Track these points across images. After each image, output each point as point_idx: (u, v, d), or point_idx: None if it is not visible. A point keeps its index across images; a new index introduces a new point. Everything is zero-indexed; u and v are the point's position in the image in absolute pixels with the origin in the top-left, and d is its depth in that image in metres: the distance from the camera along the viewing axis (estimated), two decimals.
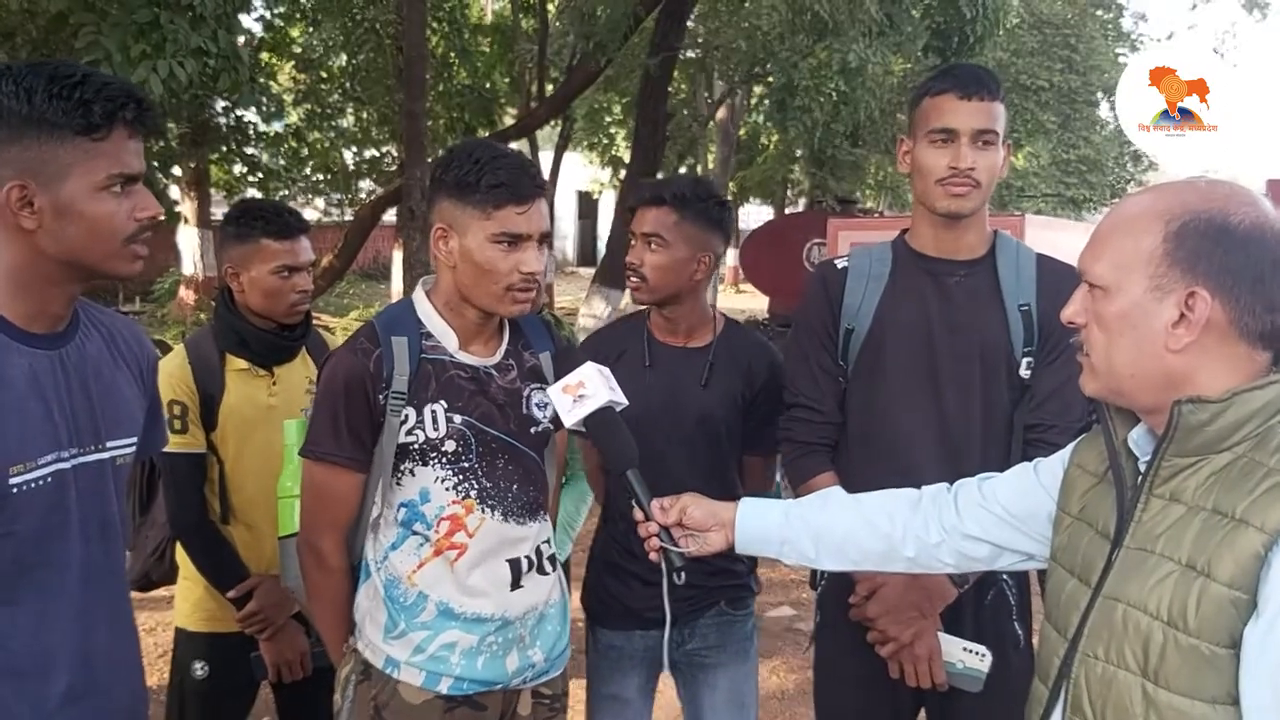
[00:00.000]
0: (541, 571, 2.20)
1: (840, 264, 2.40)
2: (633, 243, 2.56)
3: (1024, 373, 2.26)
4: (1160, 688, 1.28)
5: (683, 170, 16.86)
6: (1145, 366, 1.36)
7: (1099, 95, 23.79)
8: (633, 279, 2.55)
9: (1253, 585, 1.21)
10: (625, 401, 1.95)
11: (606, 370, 1.96)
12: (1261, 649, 1.20)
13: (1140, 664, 1.31)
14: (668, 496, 1.88)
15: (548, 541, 2.25)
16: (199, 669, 2.72)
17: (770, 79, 13.86)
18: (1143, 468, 1.40)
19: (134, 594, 2.91)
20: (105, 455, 1.74)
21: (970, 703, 2.17)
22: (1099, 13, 23.45)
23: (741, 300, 21.51)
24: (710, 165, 19.21)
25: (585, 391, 1.91)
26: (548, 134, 19.79)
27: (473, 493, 2.11)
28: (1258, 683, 1.21)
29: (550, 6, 13.42)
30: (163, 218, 1.73)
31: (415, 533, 2.11)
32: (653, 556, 1.84)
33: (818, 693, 2.54)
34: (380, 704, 2.10)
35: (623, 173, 14.14)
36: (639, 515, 1.86)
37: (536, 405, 2.20)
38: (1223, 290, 1.30)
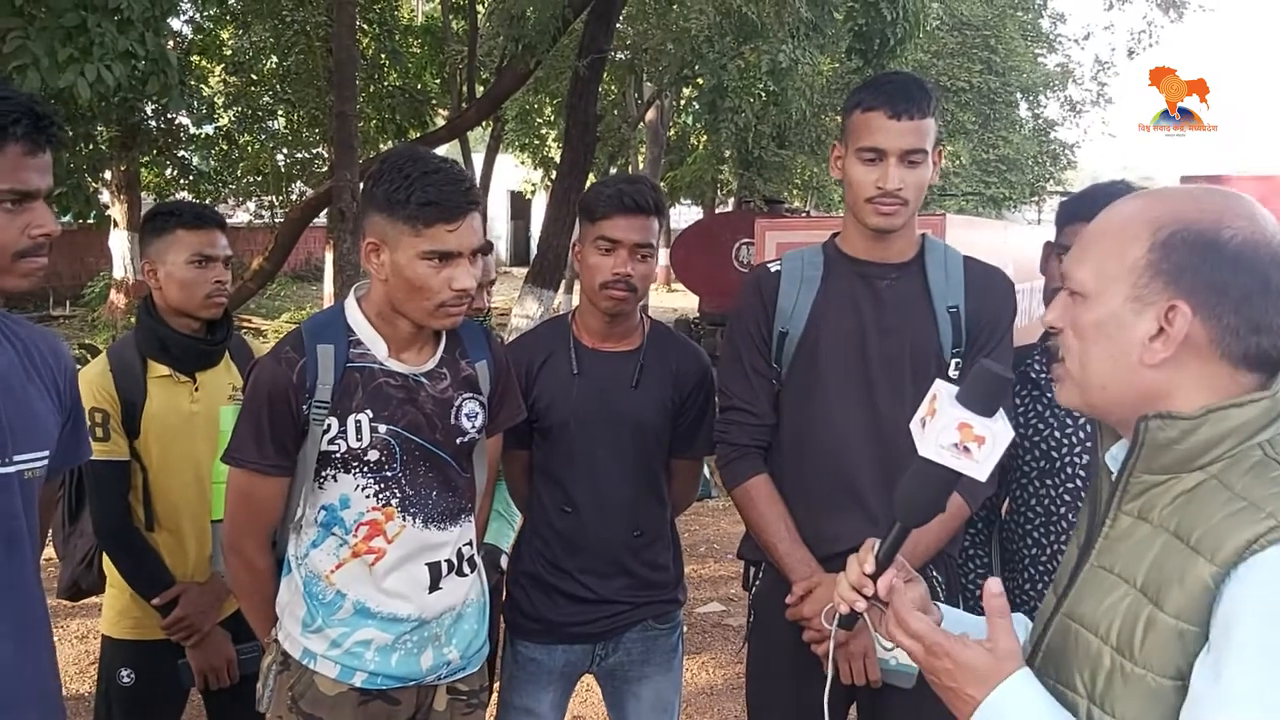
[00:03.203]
0: (460, 574, 2.21)
1: (774, 268, 2.41)
2: (603, 250, 2.46)
3: (953, 373, 2.26)
4: (1105, 713, 1.24)
5: (613, 170, 16.99)
6: (1118, 379, 1.29)
7: (1018, 95, 24.31)
8: (619, 289, 2.45)
9: (1202, 618, 1.15)
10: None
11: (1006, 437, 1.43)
12: (1211, 684, 1.13)
13: (1088, 688, 1.27)
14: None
15: (469, 543, 2.26)
16: (125, 676, 2.71)
17: (700, 80, 14.03)
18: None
19: (65, 602, 2.92)
20: (12, 469, 1.71)
21: (901, 699, 2.14)
22: (1018, 14, 23.94)
23: (673, 299, 21.71)
24: (641, 166, 19.33)
25: (980, 455, 1.39)
26: (480, 135, 19.82)
27: (394, 501, 2.12)
28: (1204, 717, 1.13)
29: (480, 8, 13.47)
30: (58, 233, 1.71)
31: (334, 534, 2.13)
32: (842, 608, 1.51)
33: (750, 690, 2.55)
34: (297, 694, 2.13)
35: (554, 173, 14.23)
36: (870, 566, 1.47)
37: (466, 416, 2.19)
38: (1205, 307, 1.22)
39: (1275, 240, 1.23)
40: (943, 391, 1.42)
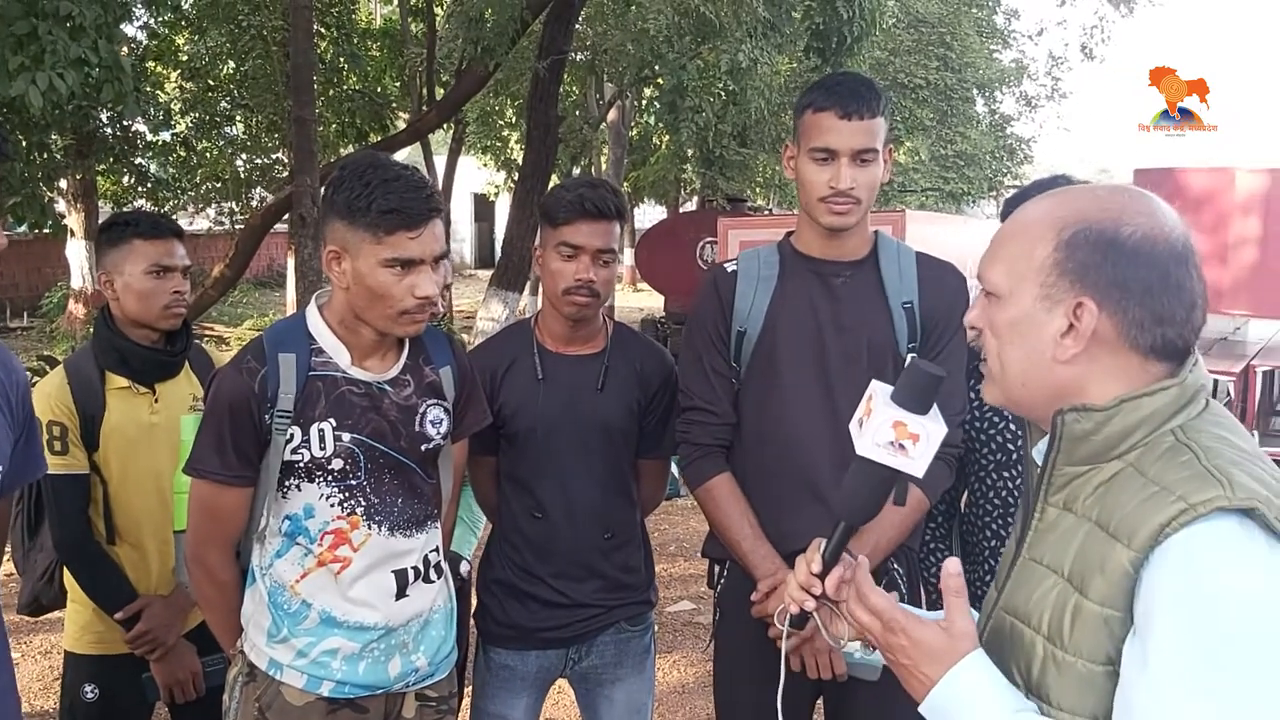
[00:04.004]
0: (427, 580, 2.21)
1: (730, 267, 2.43)
2: (564, 256, 2.45)
3: None
4: (1042, 701, 1.27)
5: (576, 171, 16.98)
6: (1035, 376, 1.33)
7: (974, 91, 24.56)
8: (581, 295, 2.45)
9: (1125, 603, 1.19)
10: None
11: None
12: (1140, 670, 1.16)
13: (1024, 678, 1.30)
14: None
15: (436, 550, 2.25)
16: (89, 692, 2.69)
17: (660, 81, 14.07)
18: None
19: (27, 618, 2.87)
20: None
21: (866, 692, 2.15)
22: (973, 10, 24.17)
23: (639, 298, 21.75)
24: (604, 166, 19.34)
25: (915, 452, 1.43)
26: (442, 137, 19.73)
27: (359, 509, 2.11)
28: (1136, 703, 1.16)
29: (438, 10, 13.43)
30: (4, 245, 1.66)
31: (298, 544, 2.11)
32: (793, 609, 1.55)
33: (717, 687, 2.58)
34: (264, 705, 2.12)
35: (517, 175, 14.23)
36: (817, 566, 1.50)
37: (430, 422, 2.18)
38: (1110, 302, 1.26)
39: (1174, 234, 1.27)
40: (878, 391, 1.46)
